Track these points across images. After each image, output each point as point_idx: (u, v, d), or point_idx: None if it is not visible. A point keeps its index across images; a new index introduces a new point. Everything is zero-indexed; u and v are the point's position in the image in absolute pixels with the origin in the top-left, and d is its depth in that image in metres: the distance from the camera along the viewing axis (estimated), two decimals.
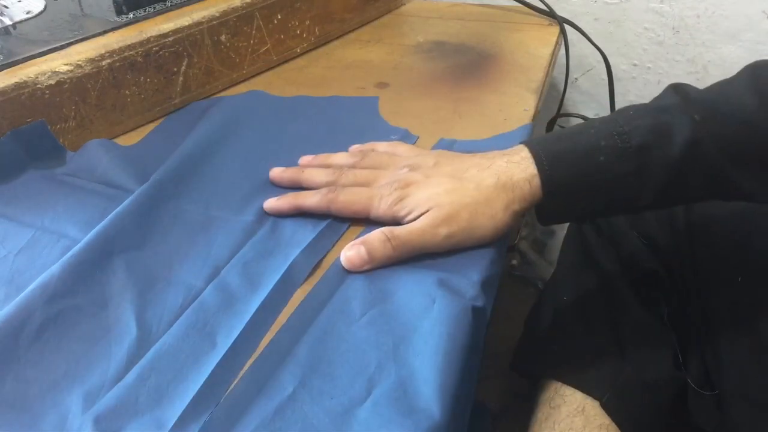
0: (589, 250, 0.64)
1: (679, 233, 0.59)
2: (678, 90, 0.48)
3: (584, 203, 0.48)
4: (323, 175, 0.52)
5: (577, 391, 0.57)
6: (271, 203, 0.51)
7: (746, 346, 0.54)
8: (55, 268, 0.43)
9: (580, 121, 1.03)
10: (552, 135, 0.49)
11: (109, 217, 0.48)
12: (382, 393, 0.36)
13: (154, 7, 0.68)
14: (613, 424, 0.55)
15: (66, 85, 0.57)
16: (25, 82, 0.54)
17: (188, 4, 0.69)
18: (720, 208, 0.58)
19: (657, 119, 0.46)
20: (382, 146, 0.56)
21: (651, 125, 0.46)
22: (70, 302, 0.42)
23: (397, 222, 0.47)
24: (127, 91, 0.62)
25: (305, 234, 0.48)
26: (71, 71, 0.57)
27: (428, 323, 0.39)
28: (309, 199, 0.50)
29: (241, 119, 0.65)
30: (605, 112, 0.98)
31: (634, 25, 0.96)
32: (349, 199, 0.49)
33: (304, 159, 0.56)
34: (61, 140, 0.58)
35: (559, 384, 0.58)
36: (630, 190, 0.47)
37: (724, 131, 0.45)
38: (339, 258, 0.45)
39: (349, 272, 0.44)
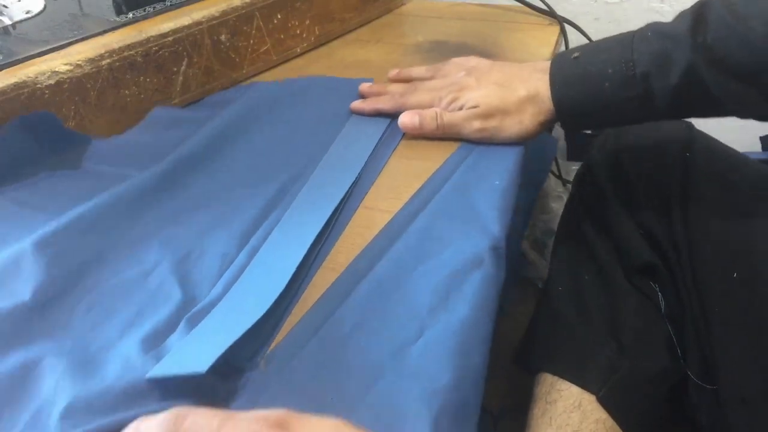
0: (586, 240, 0.64)
1: (677, 226, 0.58)
2: (696, 12, 0.52)
3: (596, 120, 0.58)
4: (402, 88, 0.66)
5: (573, 385, 0.57)
6: (356, 105, 0.65)
7: (742, 343, 0.54)
8: (89, 257, 0.46)
9: None
10: (571, 56, 0.57)
11: (135, 194, 0.52)
12: (432, 335, 0.39)
13: (154, 7, 0.68)
14: (610, 418, 0.55)
15: (65, 85, 0.57)
16: (25, 81, 0.54)
17: (188, 4, 0.69)
18: (716, 198, 0.58)
19: (661, 46, 0.52)
20: (453, 60, 0.68)
21: (655, 53, 0.52)
22: (113, 278, 0.45)
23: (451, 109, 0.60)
24: (126, 91, 0.62)
25: (329, 206, 0.51)
26: (71, 71, 0.57)
27: (478, 276, 0.43)
28: (385, 103, 0.64)
29: (260, 106, 0.67)
30: None
31: (635, 24, 0.95)
32: (416, 100, 0.62)
33: (391, 73, 0.70)
34: None
35: (556, 378, 0.58)
36: (637, 111, 0.54)
37: (727, 53, 0.49)
38: (395, 215, 0.50)
39: (405, 227, 0.49)
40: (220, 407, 0.34)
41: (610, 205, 0.63)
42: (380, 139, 0.61)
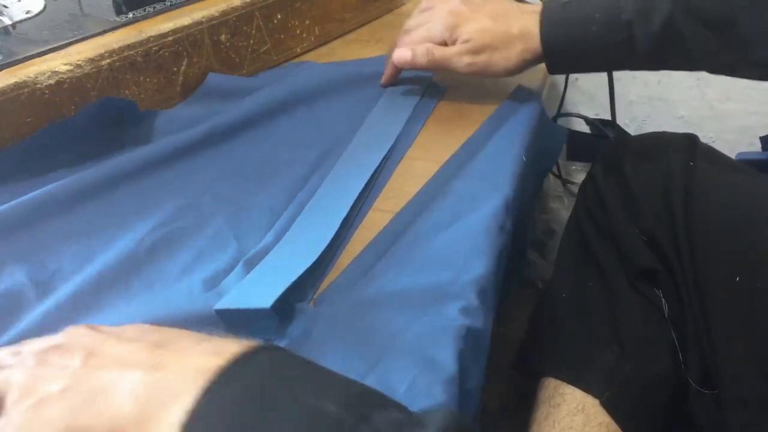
0: (589, 246, 0.64)
1: (679, 230, 0.58)
2: None
3: (581, 62, 0.62)
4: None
5: (576, 389, 0.57)
6: (384, 79, 0.70)
7: (744, 347, 0.54)
8: (149, 207, 0.52)
9: (581, 121, 1.04)
10: (561, 1, 0.60)
11: (189, 154, 0.58)
12: (467, 280, 0.43)
13: (154, 7, 0.68)
14: (613, 422, 0.55)
15: (65, 85, 0.57)
16: (25, 81, 0.54)
17: (188, 4, 0.69)
18: (720, 205, 0.58)
19: None
20: None
21: (640, 1, 0.56)
22: (172, 226, 0.50)
23: (445, 42, 0.63)
24: (126, 91, 0.62)
25: (370, 165, 0.57)
26: (71, 71, 0.57)
27: (499, 241, 0.48)
28: (391, 56, 0.67)
29: (306, 81, 0.71)
30: (605, 112, 0.98)
31: None
32: (409, 38, 0.66)
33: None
34: None
35: (559, 382, 0.58)
36: (620, 55, 0.58)
37: (706, 5, 0.53)
38: (428, 182, 0.55)
39: (437, 192, 0.53)
40: (273, 342, 0.40)
41: (614, 213, 0.63)
42: (412, 111, 0.66)
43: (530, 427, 0.58)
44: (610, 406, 0.55)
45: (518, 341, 0.68)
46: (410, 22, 0.69)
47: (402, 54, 0.64)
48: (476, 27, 0.61)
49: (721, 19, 0.53)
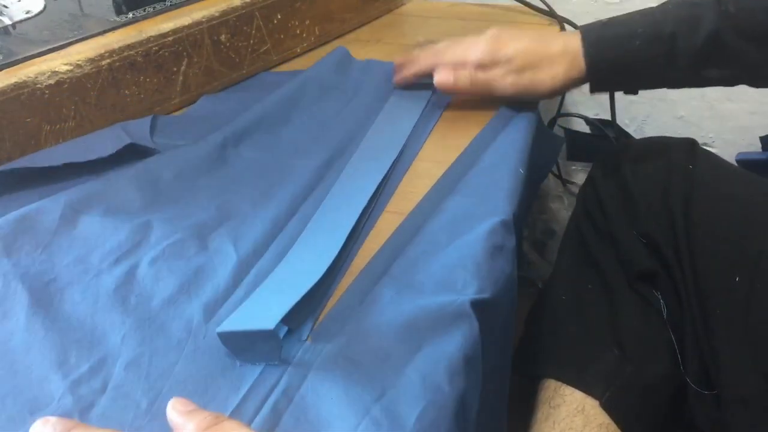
0: (588, 249, 0.64)
1: (678, 233, 0.59)
2: None
3: (624, 79, 0.62)
4: (435, 49, 0.66)
5: (576, 390, 0.57)
6: (398, 78, 0.68)
7: (744, 347, 0.54)
8: (152, 217, 0.50)
9: (581, 121, 1.03)
10: (603, 21, 0.61)
11: (192, 162, 0.57)
12: (467, 302, 0.41)
13: (154, 7, 0.68)
14: (613, 423, 0.55)
15: (65, 85, 0.57)
16: (25, 81, 0.54)
17: (188, 4, 0.69)
18: (719, 207, 0.58)
19: (688, 12, 0.56)
20: None
21: (682, 16, 0.56)
22: (174, 238, 0.48)
23: (484, 66, 0.61)
24: (126, 91, 0.62)
25: (375, 176, 0.55)
26: (71, 71, 0.57)
27: (503, 256, 0.47)
28: (422, 63, 0.65)
29: (309, 86, 0.70)
30: (605, 112, 0.98)
31: None
32: (451, 54, 0.63)
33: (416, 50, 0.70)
34: (60, 140, 0.58)
35: (559, 384, 0.58)
36: (663, 69, 0.58)
37: (751, 21, 0.53)
38: (424, 197, 0.53)
39: (436, 208, 0.51)
40: (276, 373, 0.39)
41: (613, 215, 0.63)
42: (420, 115, 0.65)
43: (530, 428, 0.58)
44: (610, 407, 0.55)
45: (518, 341, 0.68)
46: (441, 45, 0.67)
47: (444, 78, 0.62)
48: (518, 46, 0.60)
49: (765, 33, 0.53)
